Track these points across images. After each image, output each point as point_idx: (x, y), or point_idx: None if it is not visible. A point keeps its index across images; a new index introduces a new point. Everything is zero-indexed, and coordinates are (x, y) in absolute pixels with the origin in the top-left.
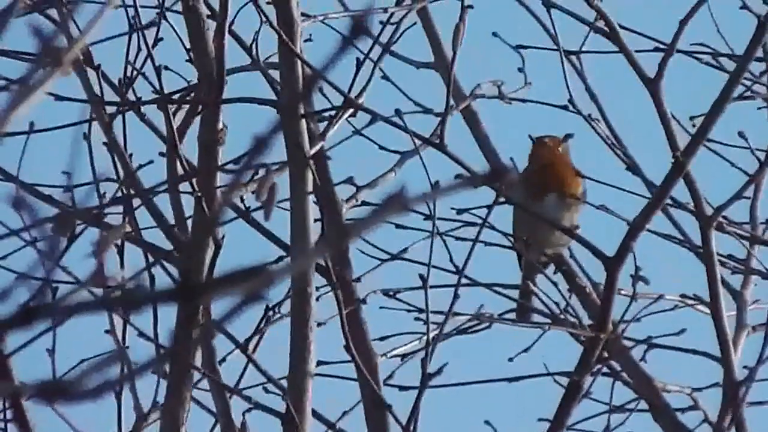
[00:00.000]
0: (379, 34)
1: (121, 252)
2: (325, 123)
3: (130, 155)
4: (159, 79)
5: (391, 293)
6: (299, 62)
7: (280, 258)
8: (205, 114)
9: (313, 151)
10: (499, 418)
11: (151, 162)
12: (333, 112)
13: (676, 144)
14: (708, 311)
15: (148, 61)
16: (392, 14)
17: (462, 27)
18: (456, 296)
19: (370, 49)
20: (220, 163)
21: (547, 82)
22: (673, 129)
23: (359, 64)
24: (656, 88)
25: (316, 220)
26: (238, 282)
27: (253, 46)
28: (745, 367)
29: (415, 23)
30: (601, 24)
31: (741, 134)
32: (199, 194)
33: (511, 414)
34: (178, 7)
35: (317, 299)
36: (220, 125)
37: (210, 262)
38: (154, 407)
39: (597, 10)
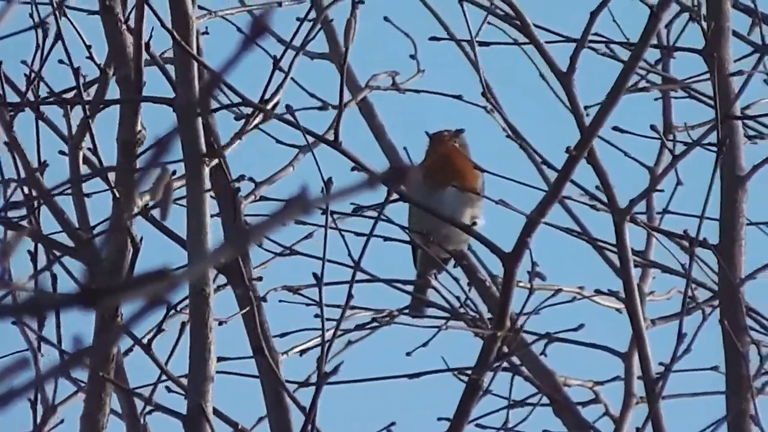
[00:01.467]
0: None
1: (29, 254)
2: (235, 126)
3: (41, 161)
4: (77, 77)
5: (293, 289)
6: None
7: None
8: (124, 114)
9: (213, 156)
10: (401, 414)
11: (45, 163)
12: (242, 115)
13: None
14: (613, 305)
15: (54, 60)
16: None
17: (353, 22)
18: (350, 292)
19: (284, 54)
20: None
21: (449, 72)
22: (585, 123)
23: (275, 64)
24: (569, 81)
25: (212, 216)
26: (141, 286)
27: (151, 42)
28: (660, 363)
29: (310, 14)
30: (505, 9)
31: (653, 127)
32: (118, 195)
33: (413, 410)
34: (76, 3)
35: (216, 290)
36: (139, 126)
37: (129, 265)
38: (52, 408)
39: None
